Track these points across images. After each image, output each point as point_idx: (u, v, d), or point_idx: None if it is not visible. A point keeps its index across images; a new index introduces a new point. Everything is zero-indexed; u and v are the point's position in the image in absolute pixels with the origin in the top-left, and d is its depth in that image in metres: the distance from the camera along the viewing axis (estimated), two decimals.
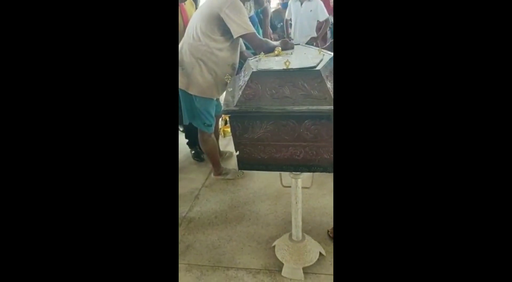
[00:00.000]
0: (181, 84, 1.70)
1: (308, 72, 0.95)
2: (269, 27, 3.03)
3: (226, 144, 2.45)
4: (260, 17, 2.86)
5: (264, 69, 1.02)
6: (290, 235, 1.32)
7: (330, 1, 3.11)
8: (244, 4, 1.60)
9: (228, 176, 2.03)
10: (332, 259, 1.35)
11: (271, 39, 2.90)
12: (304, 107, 0.92)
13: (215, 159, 2.00)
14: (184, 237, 1.56)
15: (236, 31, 1.54)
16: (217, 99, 1.89)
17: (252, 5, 1.76)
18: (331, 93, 0.92)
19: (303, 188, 1.23)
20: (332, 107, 0.91)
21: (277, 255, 1.33)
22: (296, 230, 1.29)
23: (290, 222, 1.30)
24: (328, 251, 1.38)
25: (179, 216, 1.71)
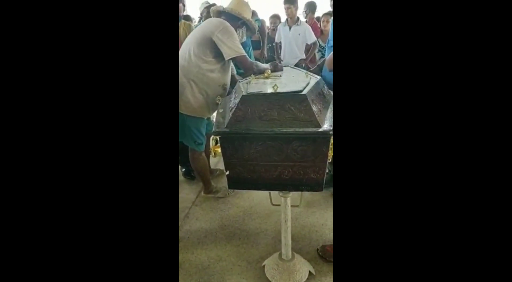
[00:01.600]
0: None
1: (295, 96, 1.00)
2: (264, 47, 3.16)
3: (217, 162, 2.47)
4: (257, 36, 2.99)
5: (254, 92, 1.07)
6: (280, 254, 1.33)
7: (328, 25, 3.23)
8: (236, 31, 1.68)
9: (219, 194, 2.04)
10: (322, 278, 1.36)
11: (266, 57, 3.01)
12: (291, 129, 0.97)
13: (205, 177, 2.01)
14: None
15: (227, 54, 1.61)
16: (208, 118, 1.92)
17: (244, 32, 1.83)
18: (317, 116, 0.97)
19: (292, 206, 1.25)
20: (317, 129, 0.95)
21: (267, 274, 1.33)
22: (286, 249, 1.30)
23: (280, 240, 1.31)
24: (317, 270, 1.39)
25: None
